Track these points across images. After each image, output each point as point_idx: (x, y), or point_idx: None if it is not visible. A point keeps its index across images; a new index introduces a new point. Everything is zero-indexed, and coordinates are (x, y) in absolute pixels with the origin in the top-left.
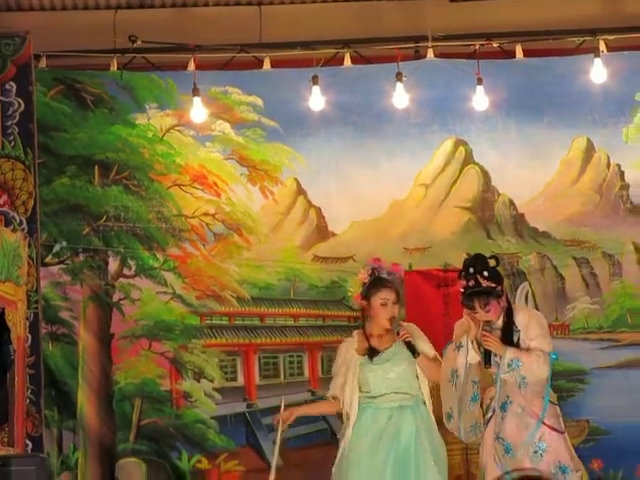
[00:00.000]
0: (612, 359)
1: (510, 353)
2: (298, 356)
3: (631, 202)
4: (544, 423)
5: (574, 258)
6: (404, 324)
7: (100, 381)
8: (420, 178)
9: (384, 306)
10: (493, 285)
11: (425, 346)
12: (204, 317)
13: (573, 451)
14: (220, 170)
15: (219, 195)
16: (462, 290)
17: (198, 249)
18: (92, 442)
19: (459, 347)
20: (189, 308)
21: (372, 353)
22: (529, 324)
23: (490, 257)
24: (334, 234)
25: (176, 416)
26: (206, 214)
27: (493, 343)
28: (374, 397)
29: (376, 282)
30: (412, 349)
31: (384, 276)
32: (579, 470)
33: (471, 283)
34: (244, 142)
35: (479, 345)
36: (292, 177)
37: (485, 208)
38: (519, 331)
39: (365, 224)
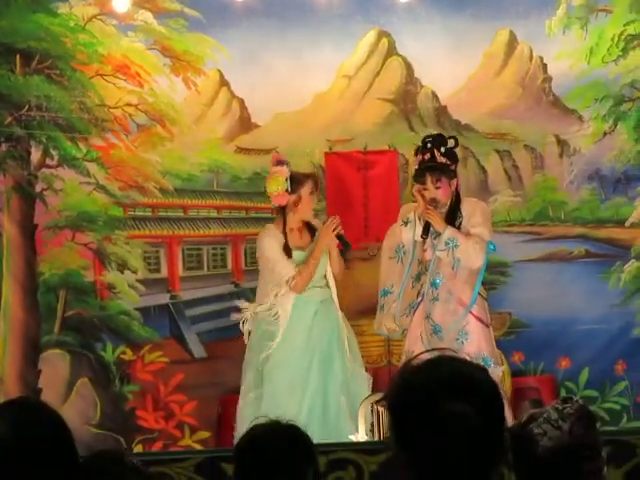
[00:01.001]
0: (534, 252)
1: (449, 231)
2: (221, 248)
3: (553, 94)
4: (471, 312)
5: (496, 151)
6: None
7: (24, 273)
8: (343, 69)
9: (312, 194)
10: (448, 162)
11: None
12: (127, 208)
13: (495, 347)
14: (143, 60)
15: (142, 85)
16: (417, 166)
17: (121, 140)
18: (15, 333)
19: (406, 222)
20: (112, 199)
21: (288, 251)
22: (474, 212)
23: (450, 137)
24: (257, 126)
25: (100, 307)
26: (129, 104)
27: (435, 217)
28: None
29: (299, 173)
30: (344, 241)
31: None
32: (502, 365)
33: (427, 157)
34: (167, 32)
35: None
36: (215, 68)
37: (408, 100)
38: (462, 217)
39: (288, 115)
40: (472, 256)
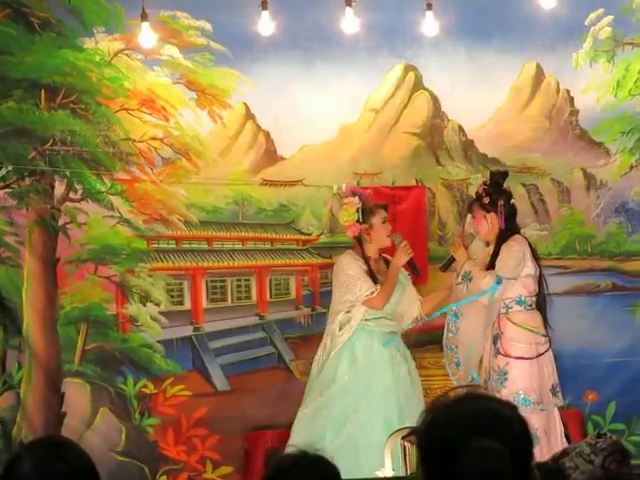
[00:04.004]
0: (561, 285)
1: (467, 265)
2: (246, 280)
3: (580, 128)
4: (507, 354)
5: (523, 184)
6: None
7: (45, 304)
8: (370, 103)
9: (384, 224)
10: (484, 195)
11: None
12: (151, 241)
13: (547, 381)
14: (168, 94)
15: (167, 119)
16: None
17: (146, 173)
18: (38, 360)
19: None
20: (136, 232)
21: (373, 276)
22: (504, 248)
23: (501, 172)
24: (283, 158)
25: (122, 340)
26: (154, 138)
27: (457, 250)
28: (368, 320)
29: (370, 203)
30: (414, 266)
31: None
32: (540, 403)
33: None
34: (193, 66)
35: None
36: (241, 101)
37: (434, 134)
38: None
39: (314, 148)
40: (479, 290)
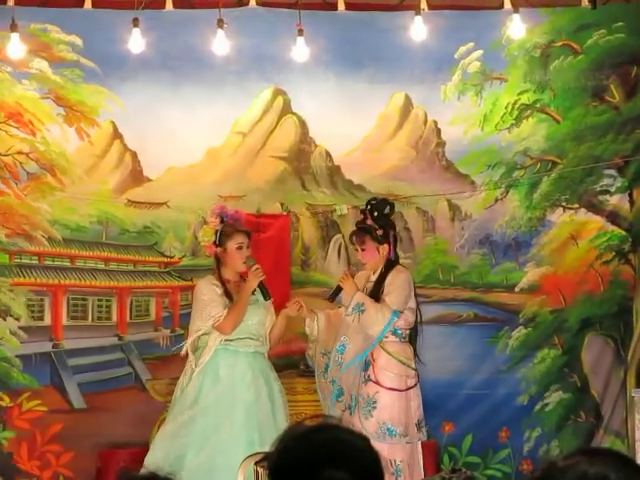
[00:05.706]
0: (423, 315)
1: (357, 296)
2: (107, 300)
3: (446, 159)
4: (378, 383)
5: None
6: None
7: None
8: (237, 126)
9: (240, 250)
10: (376, 227)
11: None
12: (13, 256)
13: (414, 415)
14: (36, 109)
15: (34, 134)
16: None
17: (10, 187)
18: None
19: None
20: None
21: (229, 300)
22: (392, 280)
23: (387, 203)
24: (149, 179)
25: None
26: (20, 152)
27: (346, 281)
28: (231, 340)
29: (229, 227)
30: (264, 290)
31: (232, 221)
32: (406, 435)
33: (360, 218)
34: (62, 82)
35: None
36: (109, 120)
37: (301, 159)
38: (384, 286)
39: (180, 170)
40: (373, 323)
